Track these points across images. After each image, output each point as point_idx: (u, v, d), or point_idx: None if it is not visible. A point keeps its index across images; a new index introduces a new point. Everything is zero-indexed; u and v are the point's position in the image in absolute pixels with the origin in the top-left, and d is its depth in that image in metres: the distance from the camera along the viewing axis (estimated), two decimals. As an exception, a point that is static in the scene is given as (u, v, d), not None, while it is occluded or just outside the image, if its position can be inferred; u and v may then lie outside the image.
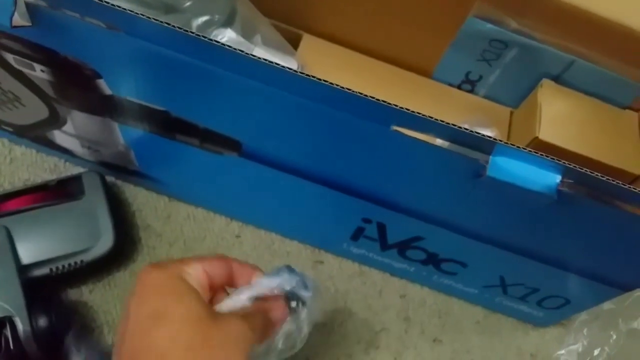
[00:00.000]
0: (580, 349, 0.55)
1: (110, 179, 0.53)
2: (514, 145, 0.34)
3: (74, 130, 0.48)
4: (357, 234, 0.50)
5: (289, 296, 0.37)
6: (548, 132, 0.48)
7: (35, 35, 0.37)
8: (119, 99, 0.41)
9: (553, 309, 0.52)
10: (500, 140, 0.33)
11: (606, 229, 0.39)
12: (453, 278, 0.52)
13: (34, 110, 0.46)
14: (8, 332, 0.42)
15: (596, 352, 0.55)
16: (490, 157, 0.35)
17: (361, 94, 0.33)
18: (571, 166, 0.33)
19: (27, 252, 0.45)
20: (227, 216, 0.55)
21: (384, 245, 0.50)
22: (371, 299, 0.55)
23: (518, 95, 0.53)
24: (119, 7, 0.32)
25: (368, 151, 0.39)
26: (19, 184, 0.52)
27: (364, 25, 0.52)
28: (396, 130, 0.35)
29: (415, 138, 0.35)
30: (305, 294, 0.37)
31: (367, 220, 0.47)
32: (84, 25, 0.34)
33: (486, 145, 0.34)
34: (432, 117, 0.33)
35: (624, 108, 0.51)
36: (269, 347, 0.36)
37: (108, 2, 0.32)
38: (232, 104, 0.39)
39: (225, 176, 0.48)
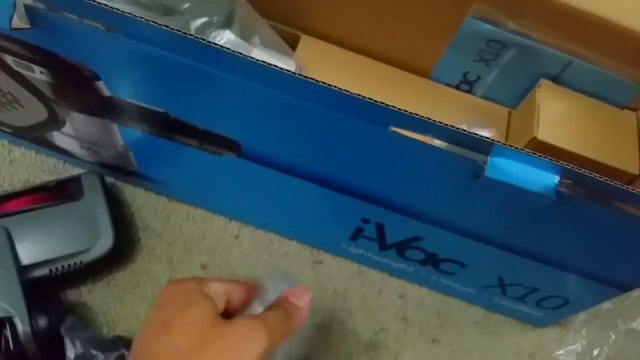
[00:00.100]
0: (579, 349, 0.56)
1: (109, 179, 0.53)
2: (512, 146, 0.34)
3: (73, 131, 0.48)
4: (356, 234, 0.50)
5: None
6: (546, 133, 0.48)
7: (34, 38, 0.37)
8: (118, 100, 0.42)
9: (552, 309, 0.52)
10: (499, 141, 0.33)
11: (605, 229, 0.39)
12: (452, 278, 0.52)
13: (33, 112, 0.46)
14: (8, 333, 0.42)
15: (595, 352, 0.55)
16: (489, 157, 0.35)
17: (359, 95, 0.33)
18: (569, 167, 0.33)
19: (27, 253, 0.45)
20: (226, 216, 0.55)
21: (383, 246, 0.51)
22: (370, 299, 0.55)
23: (516, 96, 0.53)
24: (118, 9, 0.32)
25: (367, 152, 0.39)
26: (18, 185, 0.53)
27: (362, 26, 0.52)
28: (395, 131, 0.35)
29: (414, 139, 0.35)
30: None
31: (366, 221, 0.47)
32: (82, 27, 0.35)
33: (484, 146, 0.34)
34: (430, 118, 0.33)
35: (622, 108, 0.51)
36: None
37: (106, 5, 0.32)
38: (231, 105, 0.39)
39: (224, 177, 0.48)
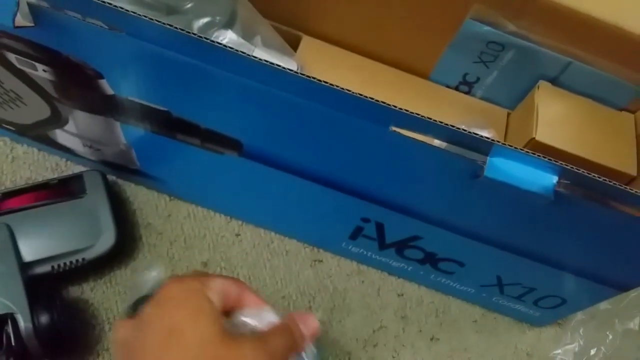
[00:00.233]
0: (576, 349, 0.56)
1: (111, 177, 0.53)
2: (511, 146, 0.34)
3: (76, 129, 0.48)
4: (356, 233, 0.50)
5: None
6: (545, 134, 0.48)
7: (37, 36, 0.37)
8: (121, 99, 0.42)
9: (549, 309, 0.52)
10: (498, 141, 0.34)
11: (602, 229, 0.39)
12: (450, 277, 0.52)
13: (35, 110, 0.47)
14: (10, 329, 0.42)
15: (592, 351, 0.55)
16: (488, 157, 0.35)
17: (360, 94, 0.33)
18: (568, 167, 0.34)
19: (29, 250, 0.45)
20: (227, 215, 0.55)
21: (382, 245, 0.51)
22: (369, 298, 0.55)
23: (515, 97, 0.54)
24: (121, 8, 0.32)
25: (367, 151, 0.39)
26: (20, 183, 0.53)
27: (362, 27, 0.52)
28: (395, 131, 0.35)
29: (414, 139, 0.35)
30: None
31: (366, 220, 0.48)
32: (86, 25, 0.35)
33: (484, 146, 0.34)
34: (430, 118, 0.33)
35: (620, 109, 0.52)
36: None
37: (110, 3, 0.32)
38: (233, 104, 0.39)
39: (225, 175, 0.48)
